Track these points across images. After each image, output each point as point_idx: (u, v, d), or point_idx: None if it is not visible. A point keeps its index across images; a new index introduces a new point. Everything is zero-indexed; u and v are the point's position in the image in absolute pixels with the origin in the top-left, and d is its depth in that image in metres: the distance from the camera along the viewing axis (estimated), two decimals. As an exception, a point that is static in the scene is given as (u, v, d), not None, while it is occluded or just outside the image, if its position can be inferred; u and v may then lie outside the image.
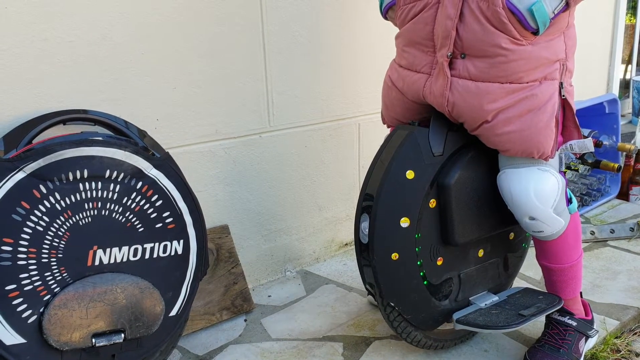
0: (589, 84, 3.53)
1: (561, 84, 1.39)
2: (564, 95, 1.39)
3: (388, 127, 1.69)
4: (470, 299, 1.62)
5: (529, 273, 2.11)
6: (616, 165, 2.62)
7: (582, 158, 2.72)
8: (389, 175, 1.40)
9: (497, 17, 1.29)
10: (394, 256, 1.43)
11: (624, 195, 2.88)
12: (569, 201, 1.51)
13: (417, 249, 1.47)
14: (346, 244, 2.38)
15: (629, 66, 4.78)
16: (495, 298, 1.62)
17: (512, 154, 1.40)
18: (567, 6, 1.31)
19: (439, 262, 1.53)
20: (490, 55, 1.33)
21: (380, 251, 1.42)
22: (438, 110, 1.47)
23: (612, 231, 2.40)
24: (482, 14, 1.31)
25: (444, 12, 1.35)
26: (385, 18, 1.58)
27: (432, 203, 1.48)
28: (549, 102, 1.37)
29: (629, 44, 4.67)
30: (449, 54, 1.36)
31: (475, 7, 1.31)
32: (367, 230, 1.43)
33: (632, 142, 3.13)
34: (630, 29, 4.57)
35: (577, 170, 2.73)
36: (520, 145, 1.38)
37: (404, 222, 1.43)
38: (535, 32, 1.30)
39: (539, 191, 1.40)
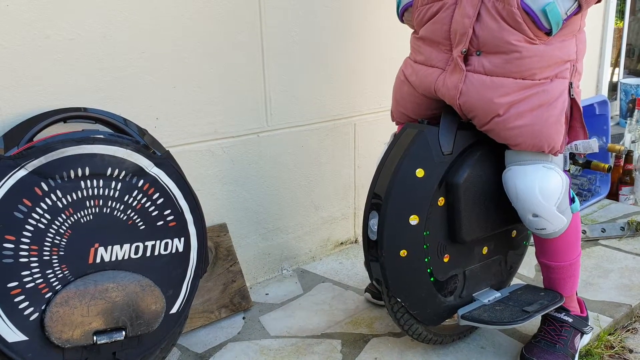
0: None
1: (571, 83, 1.43)
2: (572, 95, 1.43)
3: (397, 124, 1.71)
4: (473, 295, 1.64)
5: (523, 271, 2.13)
6: (607, 166, 2.66)
7: (573, 158, 2.76)
8: (399, 174, 1.42)
9: (512, 16, 1.33)
10: (403, 253, 1.45)
11: (613, 196, 2.92)
12: (572, 200, 1.54)
13: (425, 246, 1.49)
14: (342, 243, 2.40)
15: (617, 69, 4.85)
16: (497, 294, 1.64)
17: (523, 148, 1.43)
18: (579, 8, 1.35)
19: (446, 259, 1.56)
20: (505, 51, 1.37)
21: (389, 248, 1.44)
22: (447, 108, 1.50)
23: (603, 230, 2.44)
24: (498, 13, 1.35)
25: (462, 12, 1.39)
26: (402, 21, 1.61)
27: (441, 201, 1.50)
28: (559, 98, 1.40)
29: (616, 47, 4.74)
30: (464, 50, 1.40)
31: (491, 7, 1.36)
32: (376, 227, 1.44)
33: (621, 143, 3.17)
34: (617, 32, 4.63)
35: (568, 171, 2.77)
36: (532, 139, 1.41)
37: (413, 220, 1.45)
38: (549, 33, 1.35)
39: (543, 188, 1.43)
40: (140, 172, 1.41)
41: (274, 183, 2.09)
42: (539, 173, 1.43)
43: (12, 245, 1.27)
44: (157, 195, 1.43)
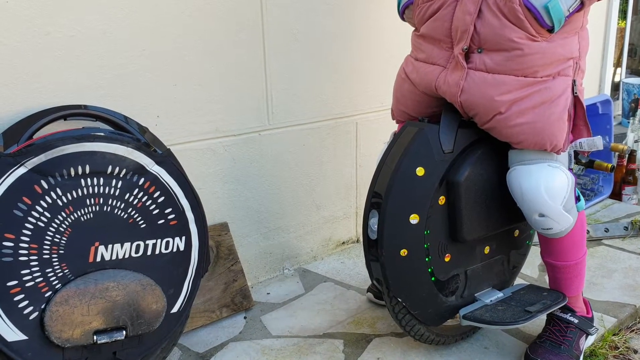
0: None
1: (574, 81, 1.41)
2: (576, 93, 1.42)
3: (397, 122, 1.70)
4: (475, 295, 1.63)
5: (527, 271, 2.12)
6: (610, 165, 2.65)
7: (576, 158, 2.75)
8: (399, 172, 1.41)
9: (513, 13, 1.32)
10: (403, 252, 1.44)
11: (616, 195, 2.91)
12: (577, 199, 1.53)
13: (425, 246, 1.48)
14: (343, 243, 2.39)
15: (619, 69, 4.83)
16: (500, 294, 1.63)
17: (525, 146, 1.41)
18: (582, 5, 1.34)
19: (447, 259, 1.54)
20: (507, 48, 1.35)
21: (389, 247, 1.42)
22: (448, 106, 1.48)
23: (607, 230, 2.42)
24: (500, 10, 1.34)
25: (463, 9, 1.38)
26: (402, 18, 1.60)
27: (442, 200, 1.48)
28: (562, 96, 1.39)
29: (619, 46, 4.72)
30: (465, 47, 1.39)
31: (492, 4, 1.34)
32: (376, 226, 1.43)
33: (624, 142, 3.16)
34: (619, 32, 4.62)
35: (571, 170, 2.75)
36: (534, 137, 1.39)
37: (414, 219, 1.43)
38: (551, 30, 1.34)
39: (549, 187, 1.41)
40: (141, 170, 1.39)
41: (275, 182, 2.08)
42: (544, 172, 1.42)
43: (11, 244, 1.26)
44: (158, 193, 1.42)
